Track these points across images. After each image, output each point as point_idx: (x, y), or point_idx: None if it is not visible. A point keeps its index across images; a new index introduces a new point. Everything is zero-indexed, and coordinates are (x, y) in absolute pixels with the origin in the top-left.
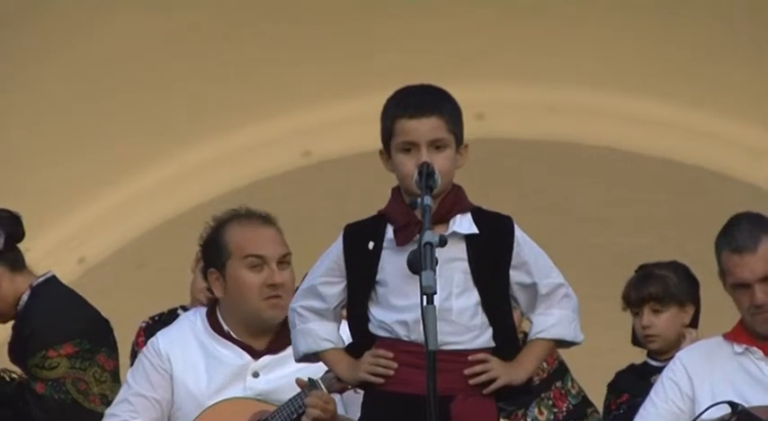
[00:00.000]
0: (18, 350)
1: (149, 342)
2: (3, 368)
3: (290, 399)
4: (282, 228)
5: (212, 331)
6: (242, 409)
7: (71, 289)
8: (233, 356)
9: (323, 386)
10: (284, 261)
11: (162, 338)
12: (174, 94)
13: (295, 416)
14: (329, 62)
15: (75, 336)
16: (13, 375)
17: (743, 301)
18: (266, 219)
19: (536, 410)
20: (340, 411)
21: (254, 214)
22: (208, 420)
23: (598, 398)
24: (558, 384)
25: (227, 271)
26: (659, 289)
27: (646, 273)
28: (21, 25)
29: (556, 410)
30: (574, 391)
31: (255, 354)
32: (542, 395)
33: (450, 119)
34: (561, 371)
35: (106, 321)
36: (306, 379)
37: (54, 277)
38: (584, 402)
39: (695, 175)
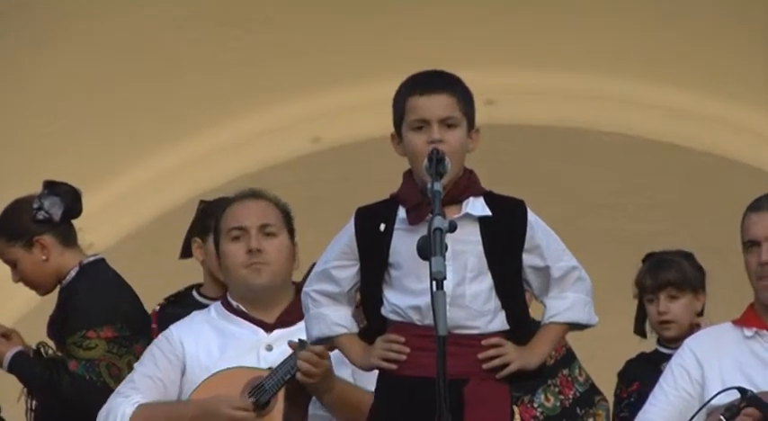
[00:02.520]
0: (58, 325)
1: (162, 334)
2: (41, 342)
3: (283, 361)
4: (292, 213)
5: (226, 311)
6: (237, 377)
7: (119, 274)
8: (247, 333)
9: None
10: (266, 231)
11: (175, 328)
12: (182, 81)
13: (288, 376)
14: (338, 48)
15: (116, 321)
16: (50, 351)
17: (752, 263)
18: (253, 194)
19: (543, 397)
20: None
21: (244, 193)
22: (206, 390)
23: (606, 383)
24: (565, 371)
25: (220, 250)
26: (677, 275)
27: (660, 260)
28: (26, 14)
29: (562, 397)
30: (581, 379)
31: (268, 329)
32: (549, 382)
33: (462, 99)
34: (569, 359)
35: (147, 314)
36: (297, 340)
37: (104, 260)
38: (592, 390)
39: (705, 161)
